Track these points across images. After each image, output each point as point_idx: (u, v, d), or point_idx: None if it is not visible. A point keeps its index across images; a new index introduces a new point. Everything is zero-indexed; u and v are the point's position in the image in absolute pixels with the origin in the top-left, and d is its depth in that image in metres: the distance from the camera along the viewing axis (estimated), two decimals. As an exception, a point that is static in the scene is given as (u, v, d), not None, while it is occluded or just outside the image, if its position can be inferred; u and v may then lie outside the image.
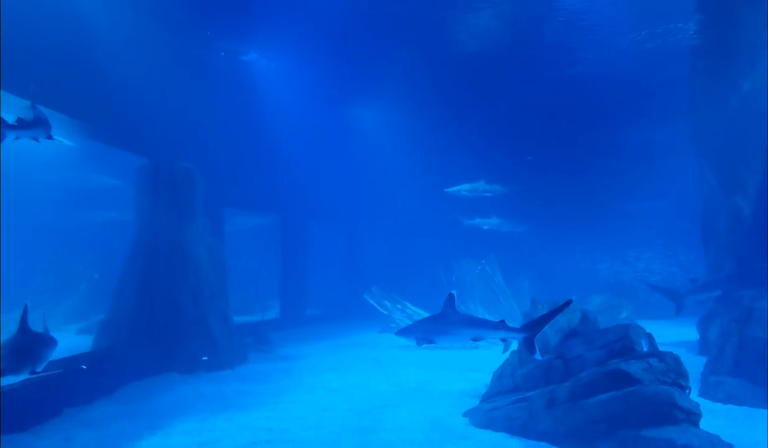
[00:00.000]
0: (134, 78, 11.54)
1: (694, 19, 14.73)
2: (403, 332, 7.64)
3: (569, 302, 6.91)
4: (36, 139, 7.42)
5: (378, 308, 18.19)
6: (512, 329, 7.00)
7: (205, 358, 12.07)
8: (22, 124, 7.21)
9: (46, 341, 6.41)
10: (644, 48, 16.19)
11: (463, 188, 19.61)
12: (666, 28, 15.26)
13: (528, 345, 6.82)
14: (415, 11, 14.58)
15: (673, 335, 15.32)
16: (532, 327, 6.86)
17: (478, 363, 13.16)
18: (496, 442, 7.39)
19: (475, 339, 7.13)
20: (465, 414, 8.62)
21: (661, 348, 7.41)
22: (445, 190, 19.67)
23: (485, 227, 22.43)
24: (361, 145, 23.77)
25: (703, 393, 9.53)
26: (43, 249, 18.86)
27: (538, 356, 6.82)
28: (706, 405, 7.72)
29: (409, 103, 21.57)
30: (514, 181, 22.92)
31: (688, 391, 6.82)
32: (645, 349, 7.29)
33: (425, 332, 7.32)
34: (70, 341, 13.57)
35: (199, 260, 12.79)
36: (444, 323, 7.26)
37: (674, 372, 6.81)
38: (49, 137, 7.62)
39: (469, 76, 18.61)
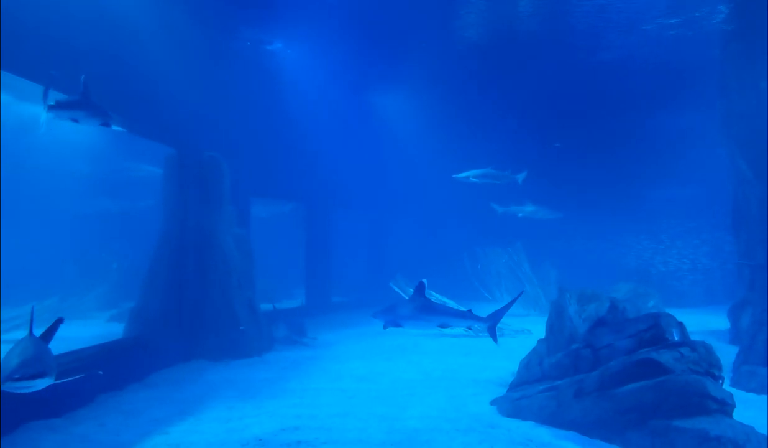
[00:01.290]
0: (162, 69, 11.63)
1: (725, 3, 14.39)
2: (376, 314, 7.95)
3: (521, 293, 8.50)
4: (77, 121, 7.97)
5: (402, 295, 18.21)
6: (477, 318, 7.67)
7: (243, 328, 12.36)
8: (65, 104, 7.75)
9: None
10: (674, 33, 15.86)
11: (471, 174, 19.49)
12: (696, 14, 14.92)
13: (491, 333, 7.84)
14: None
15: (704, 323, 15.10)
16: (494, 317, 7.82)
17: (504, 351, 13.08)
18: (524, 431, 7.36)
19: (441, 326, 7.58)
20: (492, 403, 8.60)
21: (692, 337, 7.31)
22: (453, 176, 19.58)
23: (520, 215, 22.23)
24: (385, 133, 23.73)
25: (735, 383, 9.38)
26: (74, 238, 19.19)
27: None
28: (738, 395, 7.58)
29: (434, 90, 21.42)
30: (540, 168, 22.68)
31: (720, 381, 6.71)
32: (676, 338, 7.19)
33: (395, 316, 7.67)
34: (102, 328, 13.87)
35: (227, 249, 12.92)
36: (413, 308, 7.63)
37: (706, 362, 6.70)
38: (106, 124, 8.10)
39: (496, 61, 18.42)
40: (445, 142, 23.99)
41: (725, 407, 6.35)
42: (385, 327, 7.66)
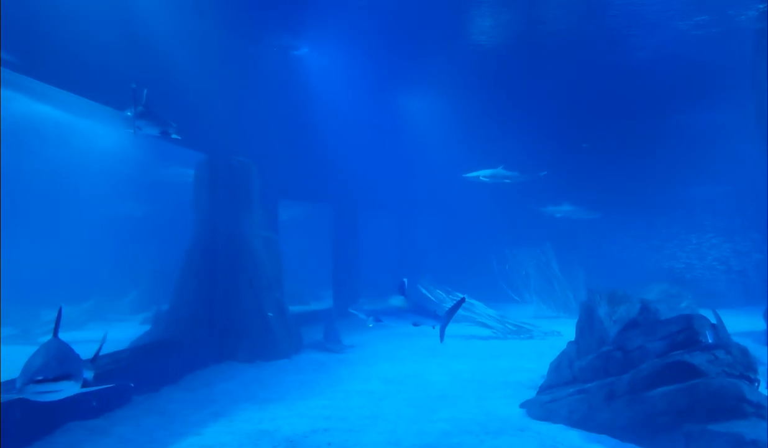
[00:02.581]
0: (193, 77, 11.85)
1: (761, 2, 14.15)
2: (357, 308, 8.58)
3: (462, 300, 9.11)
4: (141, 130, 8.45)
5: (430, 297, 18.19)
6: (437, 318, 8.31)
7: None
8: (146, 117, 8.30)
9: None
10: (706, 31, 15.62)
11: (482, 174, 19.44)
12: (729, 12, 14.70)
13: (441, 333, 8.31)
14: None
15: (738, 325, 14.74)
16: (446, 317, 8.33)
17: (533, 353, 13.05)
18: (554, 434, 7.33)
19: (414, 324, 8.26)
20: (522, 405, 8.57)
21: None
22: (463, 175, 19.57)
23: (557, 215, 22.08)
24: (412, 134, 23.74)
25: (772, 386, 9.19)
26: (111, 241, 19.59)
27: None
28: (775, 399, 7.45)
29: (462, 90, 21.39)
30: (569, 168, 22.49)
31: (756, 384, 6.61)
32: (710, 340, 7.09)
33: (375, 311, 8.33)
34: (136, 330, 14.13)
35: (256, 251, 13.10)
36: (392, 306, 8.38)
37: (742, 364, 6.60)
38: (166, 133, 8.57)
39: (523, 63, 18.34)
40: (472, 142, 23.89)
41: (761, 410, 6.24)
42: (365, 317, 8.34)
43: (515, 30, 16.30)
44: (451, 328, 8.31)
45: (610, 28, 15.85)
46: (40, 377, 4.71)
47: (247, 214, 13.23)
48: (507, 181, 19.48)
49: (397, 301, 8.29)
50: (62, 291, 15.55)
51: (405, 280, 8.55)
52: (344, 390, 9.86)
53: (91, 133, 17.55)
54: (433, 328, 8.37)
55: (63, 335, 6.15)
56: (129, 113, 8.30)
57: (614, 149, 23.51)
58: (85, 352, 5.73)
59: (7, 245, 15.79)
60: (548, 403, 8.06)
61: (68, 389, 4.94)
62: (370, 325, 8.21)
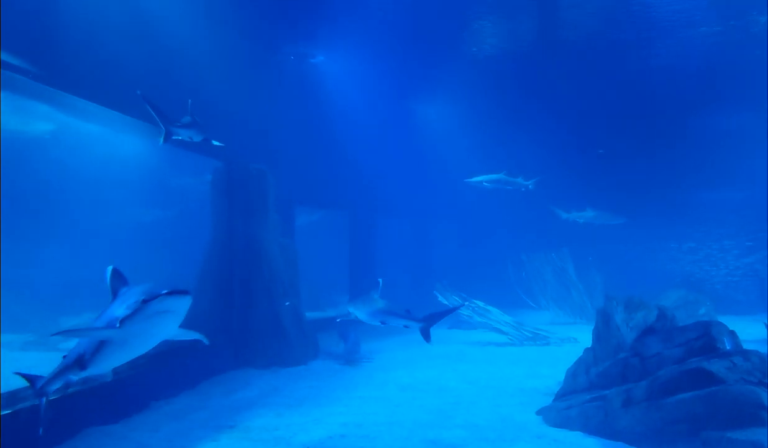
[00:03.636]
0: (210, 85, 12.00)
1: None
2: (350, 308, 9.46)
3: (462, 304, 10.03)
4: (192, 139, 9.14)
5: (446, 303, 18.17)
6: (412, 319, 8.73)
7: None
8: (182, 125, 8.89)
9: None
10: (721, 39, 15.61)
11: (484, 179, 19.47)
12: (742, 20, 14.70)
13: (424, 334, 8.76)
14: (482, 3, 14.56)
15: (757, 332, 14.56)
16: (429, 319, 8.76)
17: (549, 359, 12.99)
18: (571, 441, 7.30)
19: (382, 323, 8.88)
20: (538, 412, 8.55)
21: (744, 345, 7.13)
22: (466, 180, 19.60)
23: (581, 221, 22.01)
24: (427, 140, 23.76)
25: (793, 393, 9.06)
26: (127, 247, 19.81)
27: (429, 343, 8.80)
28: (795, 406, 7.35)
29: (478, 97, 21.40)
30: (586, 174, 22.37)
31: (776, 391, 6.53)
32: (728, 347, 7.03)
33: (352, 310, 9.25)
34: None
35: (273, 258, 13.19)
36: (367, 305, 9.21)
37: (760, 371, 6.53)
38: (205, 140, 9.24)
39: (540, 69, 18.35)
40: (488, 149, 23.87)
41: (781, 418, 6.18)
42: (344, 317, 9.35)
43: (531, 38, 16.35)
44: (468, 335, 8.36)
45: (627, 35, 15.89)
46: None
47: (263, 221, 13.33)
48: (509, 187, 19.51)
49: (374, 302, 8.98)
50: (81, 299, 15.77)
51: (380, 280, 9.39)
52: (360, 397, 9.88)
53: (110, 141, 17.84)
54: (406, 327, 8.86)
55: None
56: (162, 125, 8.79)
57: (631, 155, 23.36)
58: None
59: (27, 253, 16.08)
60: (565, 410, 8.03)
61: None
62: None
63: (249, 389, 10.51)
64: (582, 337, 14.68)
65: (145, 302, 4.98)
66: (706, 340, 7.08)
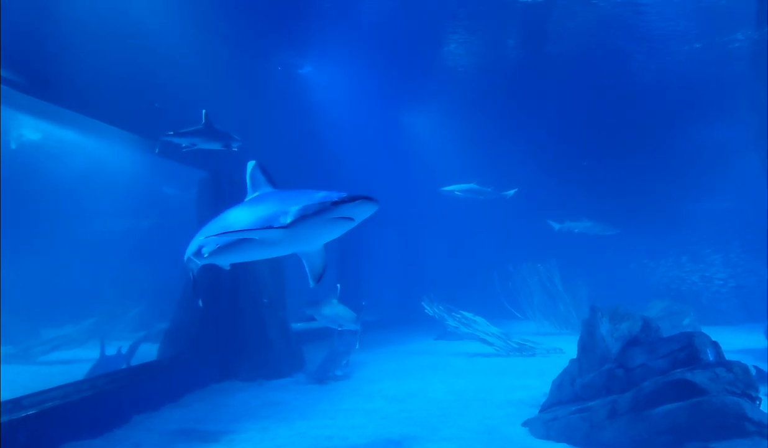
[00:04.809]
0: (196, 95, 11.95)
1: (751, 28, 14.50)
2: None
3: (360, 310, 10.69)
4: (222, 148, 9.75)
5: (434, 315, 18.17)
6: (353, 323, 9.99)
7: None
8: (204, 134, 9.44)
9: None
10: (704, 55, 16.00)
11: (456, 189, 19.60)
12: (725, 37, 15.05)
13: (354, 335, 10.20)
14: (471, 17, 14.69)
15: (740, 342, 14.74)
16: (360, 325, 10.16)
17: (535, 370, 13.01)
18: (556, 452, 7.30)
19: (338, 326, 9.99)
20: (524, 424, 8.54)
21: (727, 356, 7.18)
22: (439, 189, 19.72)
23: (576, 230, 22.07)
24: (415, 150, 23.83)
25: (775, 403, 9.14)
26: (110, 258, 19.61)
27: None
28: (778, 417, 7.41)
29: (464, 109, 21.55)
30: (573, 185, 22.53)
31: (758, 402, 6.58)
32: (711, 358, 7.07)
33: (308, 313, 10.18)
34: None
35: (259, 269, 13.10)
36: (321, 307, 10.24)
37: (743, 382, 6.58)
38: (227, 147, 9.74)
39: (527, 82, 18.56)
40: (475, 159, 24.00)
41: (763, 429, 6.22)
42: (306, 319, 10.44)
43: (516, 52, 16.56)
44: (455, 346, 8.37)
45: (614, 51, 16.18)
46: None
47: (249, 232, 13.24)
48: (481, 197, 19.64)
49: (332, 305, 9.77)
50: (62, 309, 15.56)
51: (338, 286, 10.34)
52: (346, 409, 9.82)
53: (91, 151, 17.70)
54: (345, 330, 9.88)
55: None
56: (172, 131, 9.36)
57: (616, 167, 23.57)
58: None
59: (7, 263, 15.85)
60: (550, 421, 8.03)
61: None
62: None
63: (234, 402, 10.40)
64: (568, 348, 14.72)
65: (334, 204, 4.87)
66: (689, 351, 7.12)
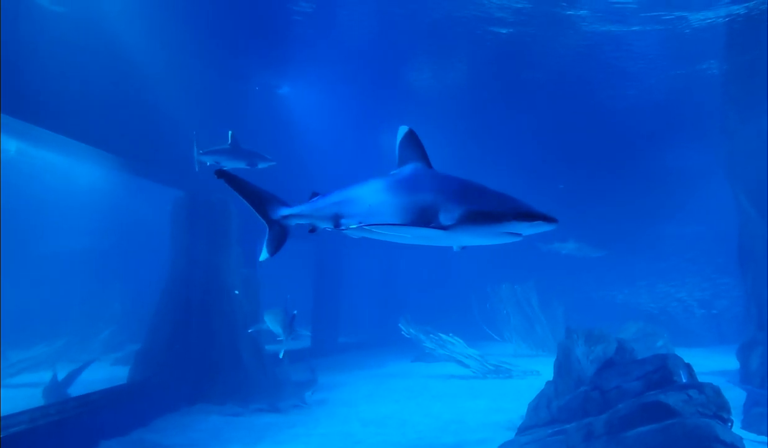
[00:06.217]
0: (172, 114, 11.88)
1: (722, 56, 15.01)
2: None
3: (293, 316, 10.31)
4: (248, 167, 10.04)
5: (410, 336, 18.10)
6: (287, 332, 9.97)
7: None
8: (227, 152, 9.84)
9: None
10: (678, 83, 16.55)
11: None
12: (696, 67, 15.73)
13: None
14: (445, 47, 14.89)
15: (713, 363, 14.89)
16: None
17: (511, 392, 13.00)
18: (532, 476, 7.26)
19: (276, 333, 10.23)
20: (501, 447, 8.49)
21: (700, 378, 7.24)
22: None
23: (563, 252, 22.18)
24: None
25: (747, 426, 9.22)
26: (82, 279, 19.20)
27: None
28: (750, 438, 7.50)
29: (442, 133, 21.70)
30: (550, 207, 22.67)
31: (730, 424, 6.63)
32: (684, 380, 7.13)
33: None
34: (107, 371, 13.82)
35: (233, 287, 12.96)
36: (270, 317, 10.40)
37: (715, 404, 6.64)
38: (253, 165, 10.10)
39: (501, 108, 18.83)
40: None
41: (735, 450, 6.27)
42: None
43: (497, 78, 16.84)
44: (432, 368, 8.28)
45: (590, 78, 16.57)
46: None
47: (225, 253, 13.11)
48: None
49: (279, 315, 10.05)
50: (31, 331, 15.17)
51: (288, 296, 10.52)
52: (321, 433, 9.69)
53: (60, 169, 17.43)
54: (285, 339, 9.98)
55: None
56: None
57: (592, 190, 23.87)
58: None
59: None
60: (527, 444, 7.99)
61: None
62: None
63: (206, 426, 10.19)
64: (544, 370, 14.75)
65: (517, 217, 4.00)
66: (663, 373, 7.17)
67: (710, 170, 20.13)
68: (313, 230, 5.32)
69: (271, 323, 10.36)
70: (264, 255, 5.44)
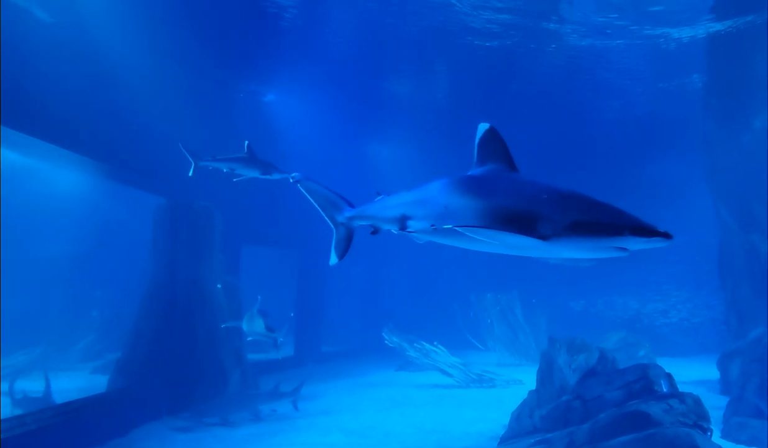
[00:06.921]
0: (155, 120, 11.80)
1: (704, 70, 15.25)
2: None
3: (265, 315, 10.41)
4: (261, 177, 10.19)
5: (394, 345, 18.04)
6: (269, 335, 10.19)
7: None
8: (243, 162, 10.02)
9: None
10: (661, 96, 16.91)
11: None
12: (678, 81, 16.05)
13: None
14: (431, 52, 14.96)
15: (693, 373, 15.03)
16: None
17: (495, 402, 12.99)
18: (514, 486, 7.25)
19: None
20: (482, 457, 8.49)
21: (681, 387, 7.31)
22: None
23: (552, 261, 22.26)
24: (378, 180, 23.88)
25: (726, 435, 9.30)
26: (58, 285, 18.89)
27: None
28: (729, 447, 7.55)
29: (428, 142, 21.84)
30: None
31: (709, 433, 6.69)
32: (665, 389, 7.19)
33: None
34: (86, 380, 13.61)
35: (216, 298, 12.85)
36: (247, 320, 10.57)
37: (695, 414, 6.70)
38: (267, 174, 10.20)
39: (485, 120, 18.94)
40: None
41: (715, 460, 6.32)
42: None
43: (484, 90, 16.98)
44: (415, 377, 8.25)
45: (576, 91, 16.88)
46: None
47: (207, 260, 13.00)
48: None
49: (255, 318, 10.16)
50: (7, 339, 14.88)
51: (259, 297, 10.59)
52: (303, 443, 9.61)
53: (39, 174, 17.21)
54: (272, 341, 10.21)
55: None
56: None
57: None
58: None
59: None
60: (509, 454, 8.00)
61: None
62: None
63: (186, 437, 10.07)
64: (527, 379, 14.76)
65: (634, 232, 3.65)
66: (644, 382, 7.23)
67: (692, 182, 20.41)
68: (375, 231, 5.10)
69: (250, 325, 10.28)
70: (333, 260, 5.25)
